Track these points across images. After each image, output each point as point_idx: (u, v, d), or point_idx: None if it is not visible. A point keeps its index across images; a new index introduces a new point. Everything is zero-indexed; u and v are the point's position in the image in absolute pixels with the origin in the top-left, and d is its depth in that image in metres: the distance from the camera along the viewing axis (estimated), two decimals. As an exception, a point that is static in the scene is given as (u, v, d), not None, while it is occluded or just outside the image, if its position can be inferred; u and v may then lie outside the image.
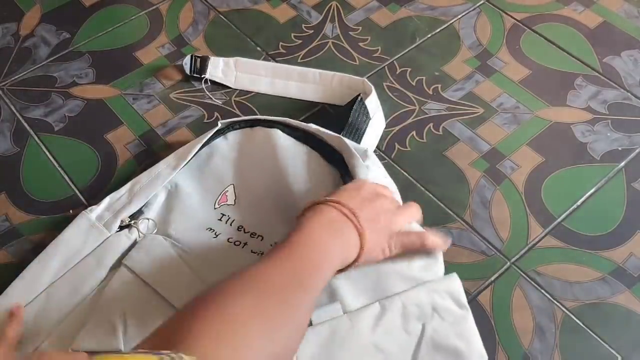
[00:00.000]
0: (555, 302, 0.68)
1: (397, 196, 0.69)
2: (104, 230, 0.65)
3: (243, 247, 0.67)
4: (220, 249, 0.67)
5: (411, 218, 0.63)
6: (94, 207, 0.68)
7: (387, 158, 0.79)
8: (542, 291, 0.68)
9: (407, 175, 0.78)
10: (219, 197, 0.70)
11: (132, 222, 0.66)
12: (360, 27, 0.95)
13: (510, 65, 0.89)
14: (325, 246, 0.53)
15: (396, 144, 0.80)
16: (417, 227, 0.64)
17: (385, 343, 0.56)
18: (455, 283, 0.61)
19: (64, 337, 0.59)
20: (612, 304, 0.67)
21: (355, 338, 0.56)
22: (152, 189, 0.68)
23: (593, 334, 0.65)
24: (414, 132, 0.82)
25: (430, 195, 0.76)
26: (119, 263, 0.64)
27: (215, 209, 0.69)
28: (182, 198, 0.70)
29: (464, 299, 0.60)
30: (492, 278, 0.69)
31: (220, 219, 0.69)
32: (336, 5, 0.98)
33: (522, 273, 0.70)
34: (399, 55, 0.91)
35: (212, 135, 0.72)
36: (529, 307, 0.67)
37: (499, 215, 0.74)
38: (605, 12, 0.96)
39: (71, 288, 0.62)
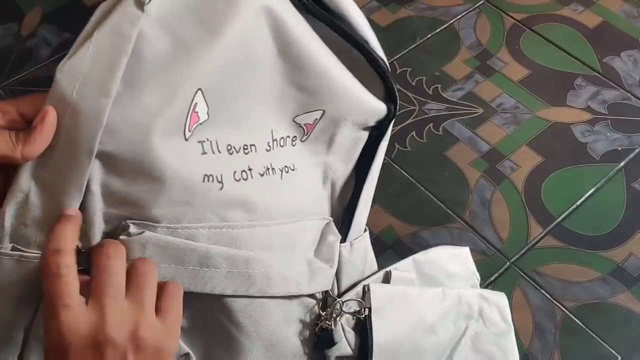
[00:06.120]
0: (555, 302, 0.68)
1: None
2: None
3: (251, 176, 0.46)
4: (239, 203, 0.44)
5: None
6: None
7: (387, 158, 0.79)
8: (542, 291, 0.68)
9: (407, 175, 0.78)
10: (188, 118, 0.42)
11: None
12: (361, 28, 0.95)
13: (510, 65, 0.90)
14: None
15: (396, 144, 0.80)
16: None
17: (439, 326, 0.57)
18: (503, 299, 0.60)
19: None
20: (612, 304, 0.68)
21: (417, 307, 0.56)
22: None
23: (593, 334, 0.65)
24: (414, 132, 0.82)
25: (430, 195, 0.76)
26: None
27: (187, 140, 0.43)
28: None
29: (509, 316, 0.59)
30: (492, 278, 0.69)
31: (204, 152, 0.44)
32: (336, 5, 0.98)
33: (521, 273, 0.70)
34: (399, 55, 0.91)
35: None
36: (528, 307, 0.67)
37: (498, 215, 0.74)
38: (605, 12, 0.96)
39: None
